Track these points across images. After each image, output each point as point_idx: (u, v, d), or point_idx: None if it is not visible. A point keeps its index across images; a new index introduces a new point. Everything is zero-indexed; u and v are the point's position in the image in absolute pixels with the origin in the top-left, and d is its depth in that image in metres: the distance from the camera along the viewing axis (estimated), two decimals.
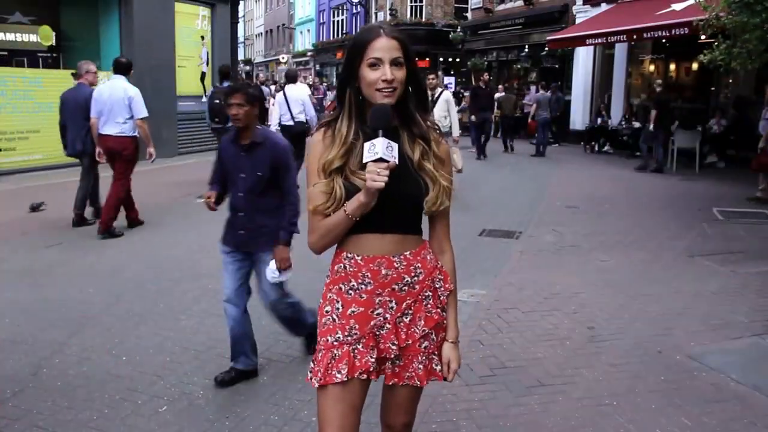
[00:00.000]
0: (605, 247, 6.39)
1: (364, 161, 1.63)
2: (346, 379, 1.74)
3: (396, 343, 1.79)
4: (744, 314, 4.48)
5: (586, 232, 7.02)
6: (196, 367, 3.55)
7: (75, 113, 6.87)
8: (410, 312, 1.81)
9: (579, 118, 17.35)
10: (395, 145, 1.63)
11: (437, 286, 1.86)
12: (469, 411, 3.10)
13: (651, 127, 12.04)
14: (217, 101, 8.64)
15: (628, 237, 6.85)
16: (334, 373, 1.75)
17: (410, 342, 1.81)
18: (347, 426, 1.77)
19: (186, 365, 3.56)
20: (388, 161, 1.60)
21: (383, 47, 1.69)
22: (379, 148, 1.60)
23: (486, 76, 15.58)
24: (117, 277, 5.14)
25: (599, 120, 16.02)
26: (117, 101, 6.45)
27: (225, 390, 3.28)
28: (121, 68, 6.71)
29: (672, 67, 16.29)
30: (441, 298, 1.87)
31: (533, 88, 16.88)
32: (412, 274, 1.80)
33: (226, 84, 9.25)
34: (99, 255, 5.74)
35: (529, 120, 14.91)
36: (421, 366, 1.83)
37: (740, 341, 4.04)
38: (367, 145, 1.64)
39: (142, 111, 6.56)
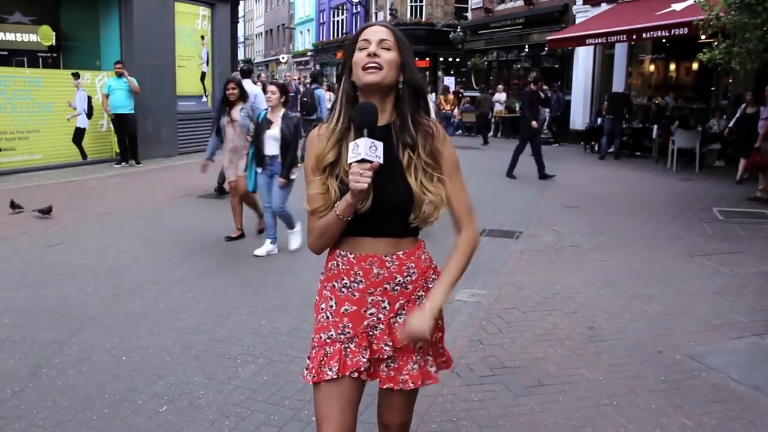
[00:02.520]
0: (605, 247, 6.39)
1: (348, 162, 1.64)
2: (336, 377, 1.74)
3: (389, 343, 1.78)
4: (744, 314, 4.48)
5: (586, 232, 7.02)
6: (196, 367, 3.55)
7: None
8: (404, 312, 1.80)
9: (579, 118, 17.34)
10: (380, 144, 1.62)
11: (431, 285, 1.84)
12: (469, 411, 3.10)
13: (599, 120, 12.20)
14: (306, 99, 12.07)
15: (628, 237, 6.85)
16: (325, 370, 1.76)
17: (405, 342, 1.80)
18: (344, 423, 1.77)
19: (186, 365, 3.56)
20: (371, 161, 1.60)
21: (372, 31, 1.76)
22: (362, 149, 1.60)
23: (541, 84, 12.87)
24: (117, 277, 5.14)
25: (599, 120, 16.03)
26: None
27: (225, 390, 3.28)
28: (245, 73, 9.32)
29: (672, 67, 16.29)
30: None
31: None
32: (405, 274, 1.79)
33: (314, 86, 12.77)
34: (99, 255, 5.74)
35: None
36: (416, 366, 1.82)
37: (740, 341, 4.04)
38: (351, 145, 1.64)
39: (263, 104, 8.20)
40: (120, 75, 10.93)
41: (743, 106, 10.89)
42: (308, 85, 14.10)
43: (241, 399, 3.19)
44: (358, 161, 1.60)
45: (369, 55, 1.71)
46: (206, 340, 3.92)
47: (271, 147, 5.65)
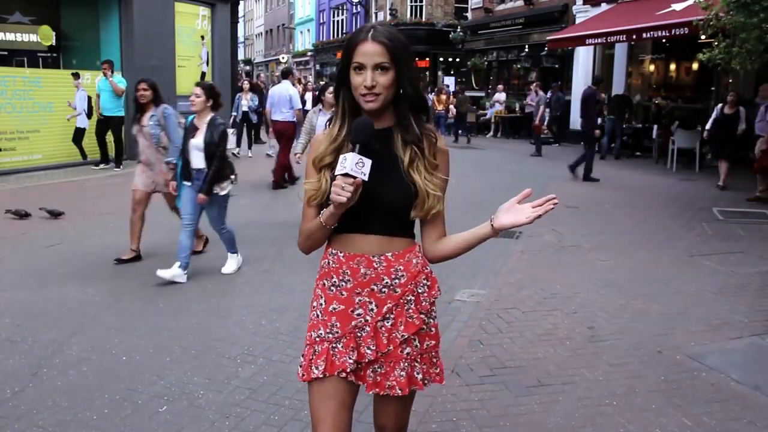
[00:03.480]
0: (605, 247, 6.39)
1: (335, 173, 1.65)
2: (322, 375, 1.75)
3: (372, 348, 1.76)
4: (744, 314, 4.48)
5: (586, 232, 7.02)
6: (196, 367, 3.55)
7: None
8: (391, 316, 1.78)
9: (579, 118, 17.34)
10: (368, 162, 1.63)
11: (420, 291, 1.82)
12: (469, 411, 3.10)
13: (599, 120, 12.65)
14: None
15: (628, 237, 6.86)
16: (312, 368, 1.76)
17: (392, 348, 1.78)
18: (339, 423, 1.76)
19: (186, 365, 3.56)
20: (355, 177, 1.61)
21: (366, 52, 1.68)
22: (348, 164, 1.61)
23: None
24: (117, 277, 5.14)
25: (599, 120, 16.01)
26: (282, 97, 9.43)
27: (225, 390, 3.28)
28: (285, 74, 10.14)
29: (672, 67, 16.29)
30: (423, 304, 1.82)
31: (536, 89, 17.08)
32: (393, 276, 1.78)
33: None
34: (99, 255, 5.73)
35: (538, 122, 15.25)
36: (403, 373, 1.79)
37: (740, 341, 4.04)
38: (340, 157, 1.66)
39: (298, 104, 9.60)
40: (105, 76, 10.61)
41: (720, 106, 10.66)
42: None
43: (241, 399, 3.19)
44: (342, 174, 1.62)
45: (366, 86, 1.68)
46: (206, 340, 3.92)
47: (196, 158, 4.91)
